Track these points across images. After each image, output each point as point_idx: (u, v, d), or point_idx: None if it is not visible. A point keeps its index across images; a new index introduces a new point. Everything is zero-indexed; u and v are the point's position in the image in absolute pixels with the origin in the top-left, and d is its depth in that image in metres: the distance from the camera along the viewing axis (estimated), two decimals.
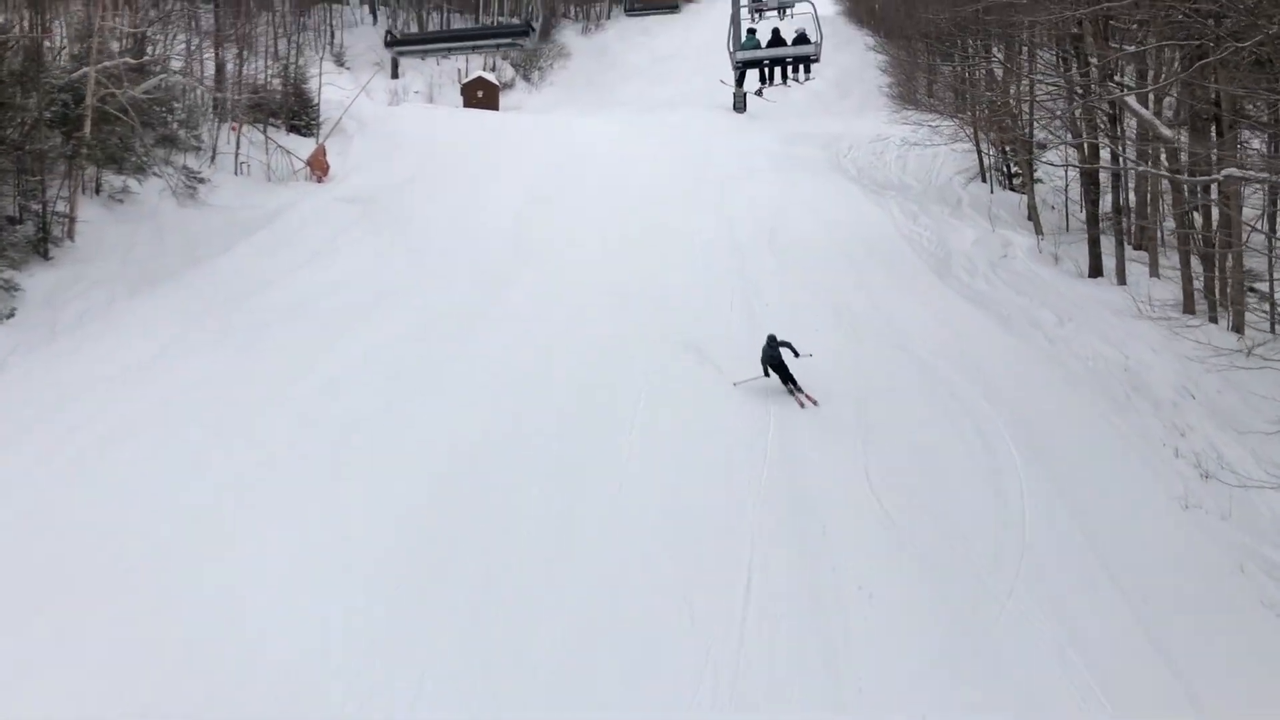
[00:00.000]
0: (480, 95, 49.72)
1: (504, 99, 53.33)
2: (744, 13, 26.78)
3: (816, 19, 24.39)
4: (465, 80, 51.04)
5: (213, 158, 28.66)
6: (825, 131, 42.96)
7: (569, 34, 73.75)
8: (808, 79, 26.68)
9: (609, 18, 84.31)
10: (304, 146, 33.51)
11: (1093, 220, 22.45)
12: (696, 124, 44.25)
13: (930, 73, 56.43)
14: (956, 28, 28.27)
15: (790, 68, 26.04)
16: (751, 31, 26.59)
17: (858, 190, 31.05)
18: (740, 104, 51.70)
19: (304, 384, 14.96)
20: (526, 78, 59.56)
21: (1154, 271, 21.59)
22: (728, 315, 17.52)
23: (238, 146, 29.06)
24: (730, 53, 26.98)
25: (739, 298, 18.56)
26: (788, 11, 25.75)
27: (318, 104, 36.50)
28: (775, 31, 25.97)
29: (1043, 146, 30.95)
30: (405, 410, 13.90)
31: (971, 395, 14.75)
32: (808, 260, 21.67)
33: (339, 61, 53.33)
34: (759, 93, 28.78)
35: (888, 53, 64.61)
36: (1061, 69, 26.44)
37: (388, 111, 41.91)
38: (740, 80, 31.50)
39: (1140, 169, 19.74)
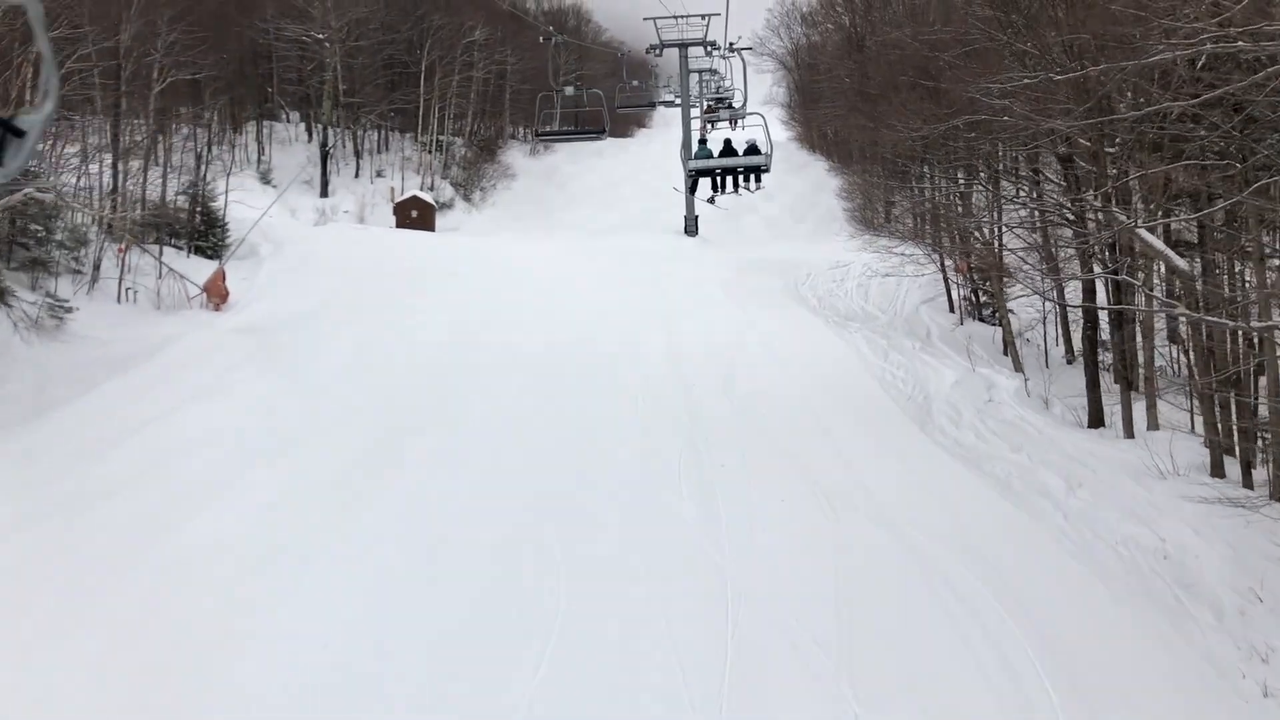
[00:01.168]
0: (414, 215, 47.54)
1: (442, 219, 51.25)
2: (697, 124, 28.01)
3: (767, 130, 24.80)
4: (398, 199, 48.87)
5: (92, 283, 25.66)
6: (782, 258, 41.18)
7: (516, 155, 72.82)
8: (758, 188, 27.32)
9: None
10: (207, 270, 30.71)
11: (1091, 363, 20.11)
12: (646, 249, 42.22)
13: (889, 195, 55.65)
14: (923, 148, 26.31)
15: (742, 177, 26.56)
16: (703, 141, 27.43)
17: (820, 323, 28.78)
18: (692, 228, 50.16)
19: (126, 588, 11.62)
20: (467, 198, 57.80)
21: (1153, 422, 19.22)
22: (676, 489, 14.55)
23: (122, 270, 26.08)
24: (683, 161, 27.70)
25: (689, 463, 15.64)
26: (740, 123, 27.33)
27: (226, 223, 33.82)
28: (727, 142, 26.47)
29: (1010, 275, 29.08)
30: (244, 629, 10.61)
31: (978, 594, 11.81)
32: (769, 410, 18.93)
33: (264, 179, 51.05)
34: (711, 200, 29.36)
35: (845, 175, 64.18)
36: (1040, 192, 24.69)
37: (309, 232, 39.43)
38: (693, 188, 31.49)
39: (1175, 312, 17.41)
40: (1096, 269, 20.05)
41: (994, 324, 34.20)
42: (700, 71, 49.69)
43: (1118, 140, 16.48)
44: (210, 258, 32.91)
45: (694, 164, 26.94)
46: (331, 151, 56.40)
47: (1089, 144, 16.86)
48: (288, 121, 62.85)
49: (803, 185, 65.51)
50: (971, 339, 30.75)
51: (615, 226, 53.15)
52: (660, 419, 17.92)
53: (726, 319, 27.62)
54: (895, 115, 26.66)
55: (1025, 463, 17.03)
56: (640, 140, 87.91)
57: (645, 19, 47.81)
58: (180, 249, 31.83)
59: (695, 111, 40.26)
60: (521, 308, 27.89)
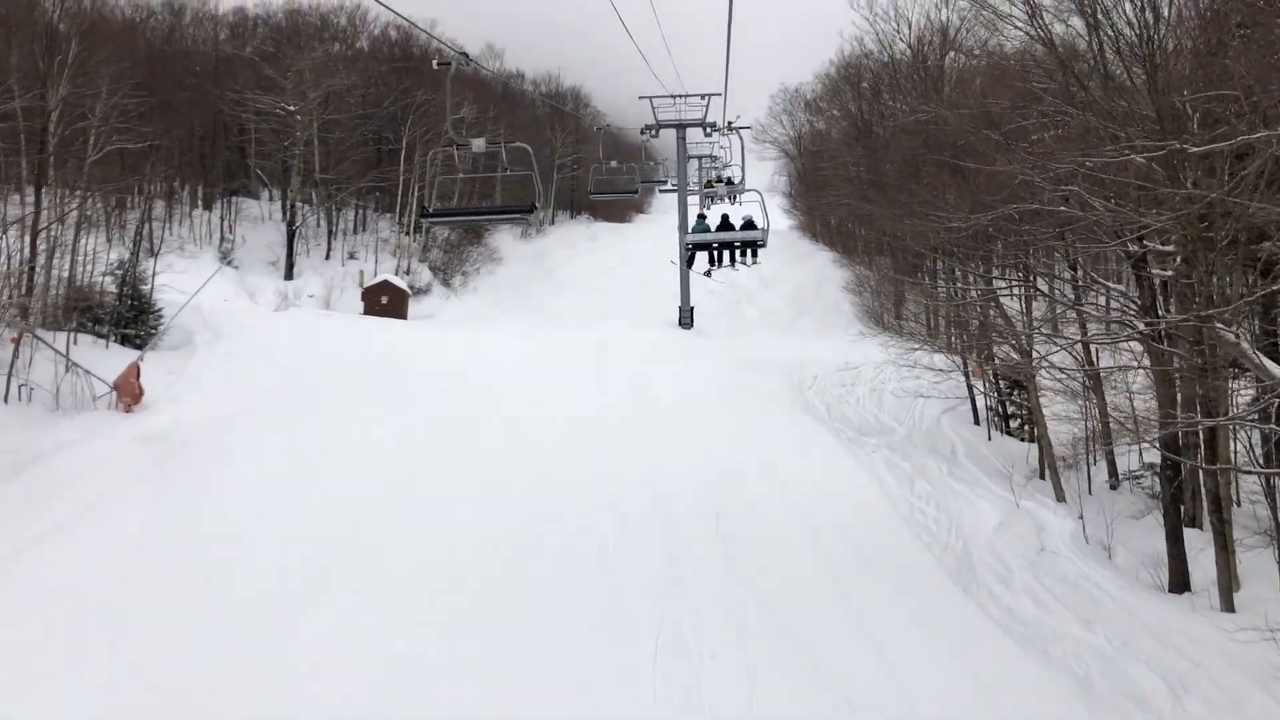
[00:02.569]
0: (384, 302, 44.34)
1: (416, 306, 48.08)
2: (694, 204, 28.52)
3: (764, 206, 25.20)
4: (368, 284, 45.71)
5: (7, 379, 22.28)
6: (784, 357, 37.83)
7: (505, 238, 70.23)
8: (755, 262, 28.44)
9: (553, 223, 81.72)
10: (160, 360, 27.41)
11: (1173, 510, 16.52)
12: (636, 343, 38.88)
13: (901, 290, 52.68)
14: (956, 242, 23.13)
15: (739, 251, 27.70)
16: (702, 216, 28.24)
17: (831, 439, 25.24)
18: (687, 319, 47.04)
19: None
20: (446, 283, 54.71)
21: (1237, 584, 15.69)
22: (648, 695, 10.82)
23: (12, 364, 22.61)
24: (680, 235, 29.69)
25: (668, 651, 11.91)
26: (737, 198, 27.26)
27: (158, 309, 30.50)
28: (724, 217, 27.26)
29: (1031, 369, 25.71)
30: None
31: None
32: (774, 567, 15.24)
33: (225, 258, 47.99)
34: (708, 273, 30.23)
35: (852, 268, 61.39)
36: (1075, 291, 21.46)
37: (263, 318, 36.12)
38: (690, 261, 31.94)
39: None
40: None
41: (1021, 436, 30.87)
42: (700, 157, 47.07)
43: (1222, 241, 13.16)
44: (139, 348, 29.54)
45: (691, 237, 27.83)
46: (300, 231, 53.50)
47: (1184, 241, 13.55)
48: (266, 198, 60.18)
49: (805, 276, 62.74)
50: (999, 454, 27.41)
51: (605, 316, 50.00)
52: (634, 581, 14.21)
53: (723, 433, 24.07)
54: (922, 202, 23.45)
55: (1104, 648, 13.36)
56: (637, 225, 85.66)
57: (640, 98, 45.40)
58: (105, 338, 28.52)
59: (692, 196, 38.15)
60: (482, 415, 24.36)
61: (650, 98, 44.80)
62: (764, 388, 30.94)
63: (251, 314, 37.08)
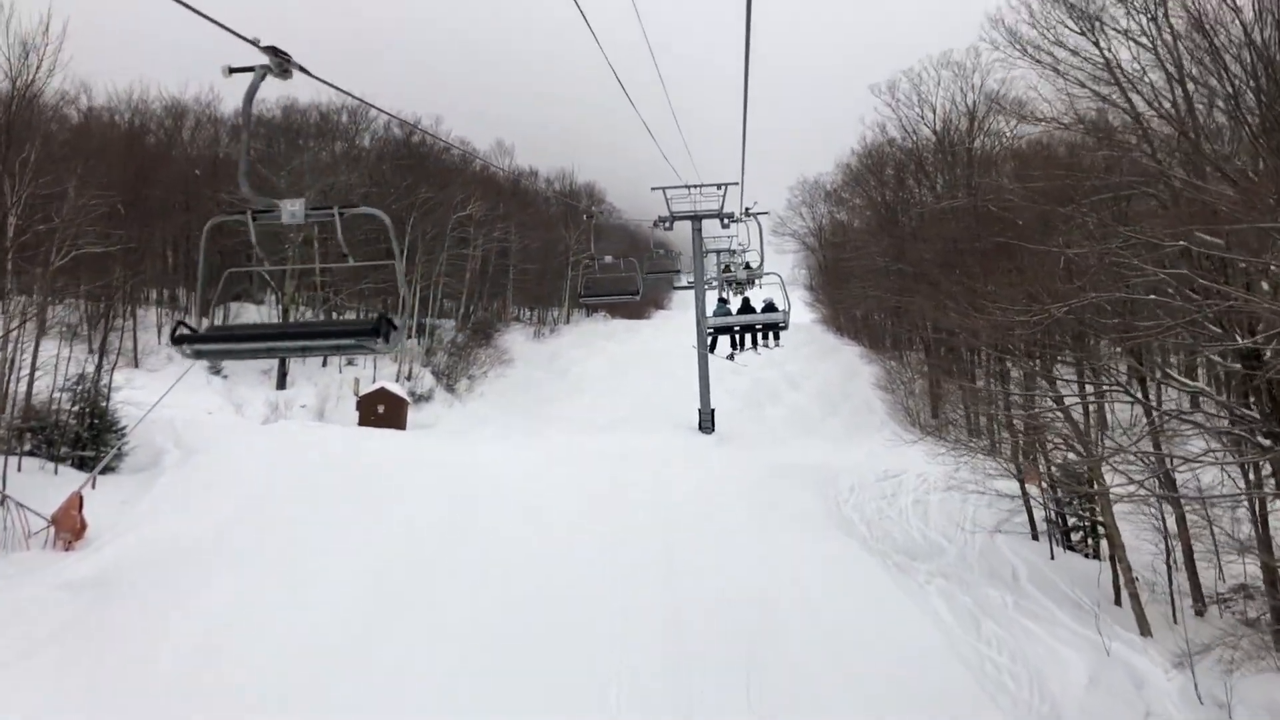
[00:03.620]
0: (381, 411, 41.84)
1: (417, 414, 45.56)
2: (714, 283, 30.07)
3: (784, 288, 25.84)
4: (364, 392, 43.32)
5: None
6: (815, 463, 35.00)
7: (517, 338, 68.17)
8: (777, 345, 29.24)
9: (568, 321, 79.84)
10: (118, 486, 24.95)
11: None
12: (652, 451, 36.10)
13: (935, 386, 49.90)
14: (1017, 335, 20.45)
15: (760, 334, 28.47)
16: (723, 300, 29.00)
17: (876, 566, 22.21)
18: (707, 423, 44.31)
19: None
20: (450, 388, 52.29)
21: None
22: None
23: None
24: (699, 325, 31.52)
25: None
26: (757, 282, 28.48)
27: (121, 427, 28.09)
28: (745, 300, 28.11)
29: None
30: None
31: None
32: None
33: (215, 370, 45.80)
34: (731, 357, 30.59)
35: (881, 363, 58.77)
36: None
37: (247, 433, 33.58)
38: (712, 346, 32.13)
39: None
40: None
41: (1084, 551, 27.77)
42: (718, 251, 45.01)
43: None
44: (103, 473, 27.04)
45: (713, 321, 28.43)
46: None
47: None
48: (267, 303, 58.32)
49: (833, 372, 60.13)
50: (1064, 576, 24.29)
51: (620, 420, 47.33)
52: None
53: (751, 561, 21.09)
54: (970, 292, 20.86)
55: None
56: (656, 321, 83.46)
57: (653, 189, 43.53)
58: (58, 461, 26.09)
59: (711, 291, 37.73)
60: (470, 546, 21.52)
61: (664, 188, 42.94)
62: (796, 503, 27.99)
63: (233, 429, 34.59)
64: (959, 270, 27.16)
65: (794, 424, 48.41)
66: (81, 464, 26.72)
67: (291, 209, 8.15)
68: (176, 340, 7.84)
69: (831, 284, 79.37)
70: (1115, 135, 17.05)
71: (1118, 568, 22.30)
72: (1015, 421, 25.69)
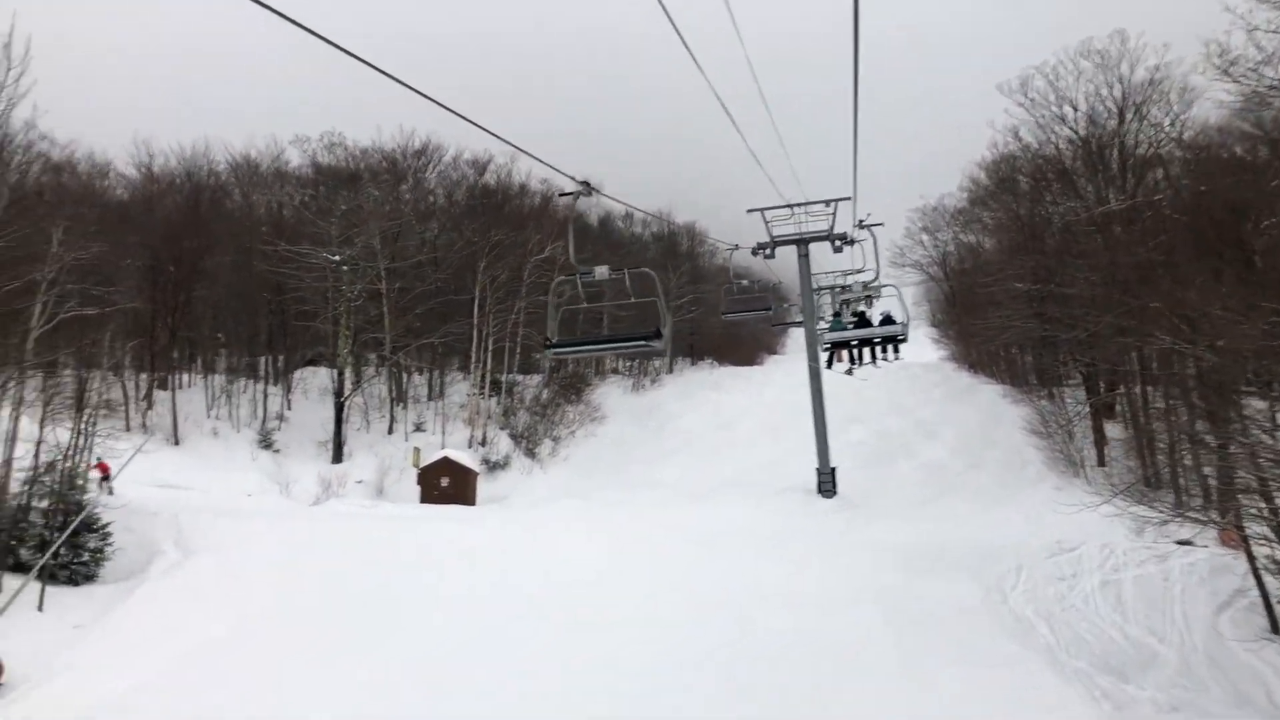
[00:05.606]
0: (445, 485, 36.98)
1: (489, 486, 40.57)
2: (829, 297, 31.48)
3: (902, 300, 25.91)
4: (425, 463, 38.50)
5: None
6: (965, 537, 28.63)
7: (613, 391, 62.96)
8: (896, 357, 28.66)
9: (670, 371, 74.47)
10: (83, 602, 20.50)
11: None
12: (758, 527, 30.21)
13: (1100, 429, 42.84)
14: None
15: (879, 348, 27.91)
16: (838, 314, 28.72)
17: (1073, 696, 15.88)
18: (828, 484, 38.13)
19: None
20: (531, 452, 47.19)
21: None
22: None
23: None
24: (818, 334, 31.76)
25: None
26: (873, 302, 27.57)
27: (103, 526, 23.64)
28: (861, 314, 27.64)
29: None
30: None
31: None
32: None
33: (264, 442, 41.70)
34: (849, 372, 31.54)
35: (1032, 403, 51.53)
36: None
37: (281, 519, 28.95)
38: (830, 362, 33.07)
39: None
40: None
41: None
42: (830, 289, 39.21)
43: None
44: (78, 583, 22.67)
45: (830, 336, 28.14)
46: (353, 403, 47.25)
47: None
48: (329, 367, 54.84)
49: (972, 416, 53.05)
50: None
51: (724, 484, 41.52)
52: None
53: (890, 702, 14.98)
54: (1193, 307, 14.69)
55: None
56: (767, 368, 76.80)
57: (750, 211, 38.12)
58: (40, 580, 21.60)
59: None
60: (510, 685, 15.94)
61: (762, 210, 37.49)
62: (947, 597, 21.71)
63: (256, 518, 30.01)
64: (1167, 283, 20.76)
65: (931, 481, 41.78)
66: (52, 576, 22.27)
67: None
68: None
69: (962, 316, 72.12)
70: None
71: None
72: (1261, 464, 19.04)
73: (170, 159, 60.75)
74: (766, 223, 37.66)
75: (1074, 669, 17.90)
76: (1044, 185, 55.85)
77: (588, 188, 14.26)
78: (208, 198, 58.07)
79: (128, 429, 41.41)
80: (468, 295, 51.17)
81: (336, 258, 46.40)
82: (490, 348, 52.31)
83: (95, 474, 28.60)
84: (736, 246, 41.63)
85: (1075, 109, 51.21)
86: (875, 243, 30.32)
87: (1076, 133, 51.79)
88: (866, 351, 28.59)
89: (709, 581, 21.76)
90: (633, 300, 14.83)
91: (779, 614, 19.39)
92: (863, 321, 27.30)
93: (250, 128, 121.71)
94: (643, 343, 14.09)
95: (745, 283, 35.97)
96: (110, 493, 29.45)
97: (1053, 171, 54.10)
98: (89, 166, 53.40)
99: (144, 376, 47.19)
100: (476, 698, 15.27)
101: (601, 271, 14.25)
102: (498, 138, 10.50)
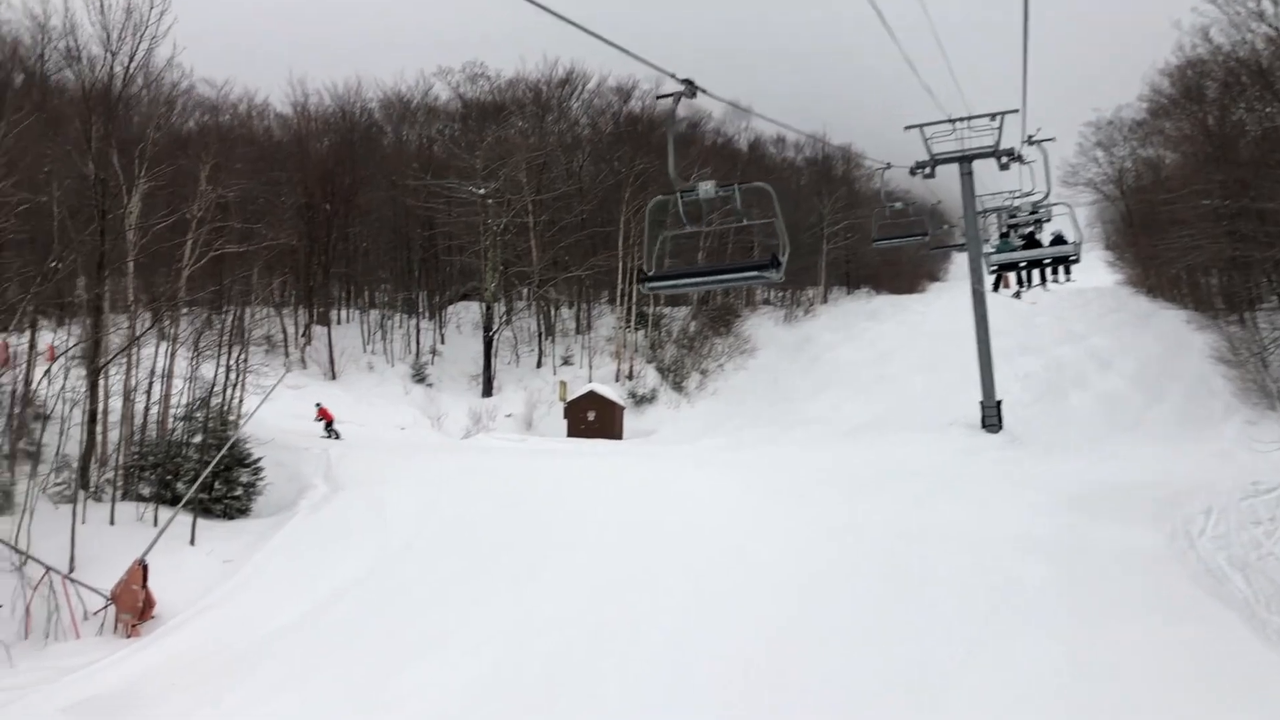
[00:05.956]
0: (591, 419, 36.67)
1: (636, 420, 40.13)
2: (994, 219, 30.24)
3: (1074, 220, 24.84)
4: (571, 397, 38.24)
5: None
6: (1145, 478, 26.47)
7: (765, 323, 61.46)
8: (1068, 279, 27.64)
9: (824, 301, 72.49)
10: (234, 536, 21.00)
11: None
12: (916, 464, 28.71)
13: None
14: None
15: (1049, 269, 27.02)
16: (1005, 235, 27.89)
17: (1277, 661, 14.11)
18: (993, 418, 36.04)
19: None
20: (678, 386, 46.47)
21: None
22: None
23: None
24: (984, 256, 29.46)
25: None
26: (1043, 226, 26.83)
27: (255, 461, 24.09)
28: (1030, 235, 26.86)
29: None
30: None
31: None
32: None
33: (418, 376, 42.24)
34: (1017, 295, 32.13)
35: (1223, 329, 47.68)
36: None
37: (409, 461, 29.03)
38: (996, 285, 32.43)
39: None
40: None
41: None
42: (996, 211, 36.77)
43: None
44: (232, 517, 23.20)
45: (997, 258, 27.21)
46: (500, 337, 47.39)
47: None
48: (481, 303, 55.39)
49: (1152, 345, 49.49)
50: None
51: (879, 420, 39.95)
52: None
53: (1053, 668, 13.53)
54: None
55: None
56: (929, 296, 73.58)
57: (907, 128, 35.93)
58: (189, 511, 22.10)
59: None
60: (653, 635, 15.24)
61: (921, 126, 35.28)
62: (1124, 546, 19.87)
63: (408, 450, 30.29)
64: None
65: (1107, 416, 39.13)
66: (205, 510, 22.84)
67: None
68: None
69: (1139, 237, 67.31)
70: None
71: None
72: None
73: (324, 97, 61.90)
74: (926, 140, 35.45)
75: (1276, 627, 16.04)
76: (1237, 91, 51.01)
77: (691, 87, 12.35)
78: (360, 135, 58.92)
79: (286, 365, 42.64)
80: (614, 227, 50.48)
81: (481, 191, 46.41)
82: (631, 278, 51.72)
83: (319, 421, 29.71)
84: (889, 165, 39.52)
85: (1275, 2, 46.31)
86: (1046, 159, 28.32)
87: (1276, 29, 46.89)
88: (1036, 274, 27.28)
89: (860, 523, 20.56)
90: (745, 223, 13.18)
91: (938, 559, 18.06)
92: (1031, 242, 26.34)
93: (400, 61, 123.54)
94: (756, 273, 12.13)
95: (899, 205, 34.44)
96: (337, 437, 30.41)
97: (1248, 74, 49.25)
98: (247, 106, 54.82)
99: (303, 312, 48.56)
100: (629, 643, 14.67)
101: (706, 188, 12.43)
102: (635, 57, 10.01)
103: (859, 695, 12.53)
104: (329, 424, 30.80)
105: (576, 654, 14.13)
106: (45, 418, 23.91)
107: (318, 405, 31.82)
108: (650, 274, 12.31)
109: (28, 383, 23.46)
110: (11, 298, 21.22)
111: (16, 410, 23.91)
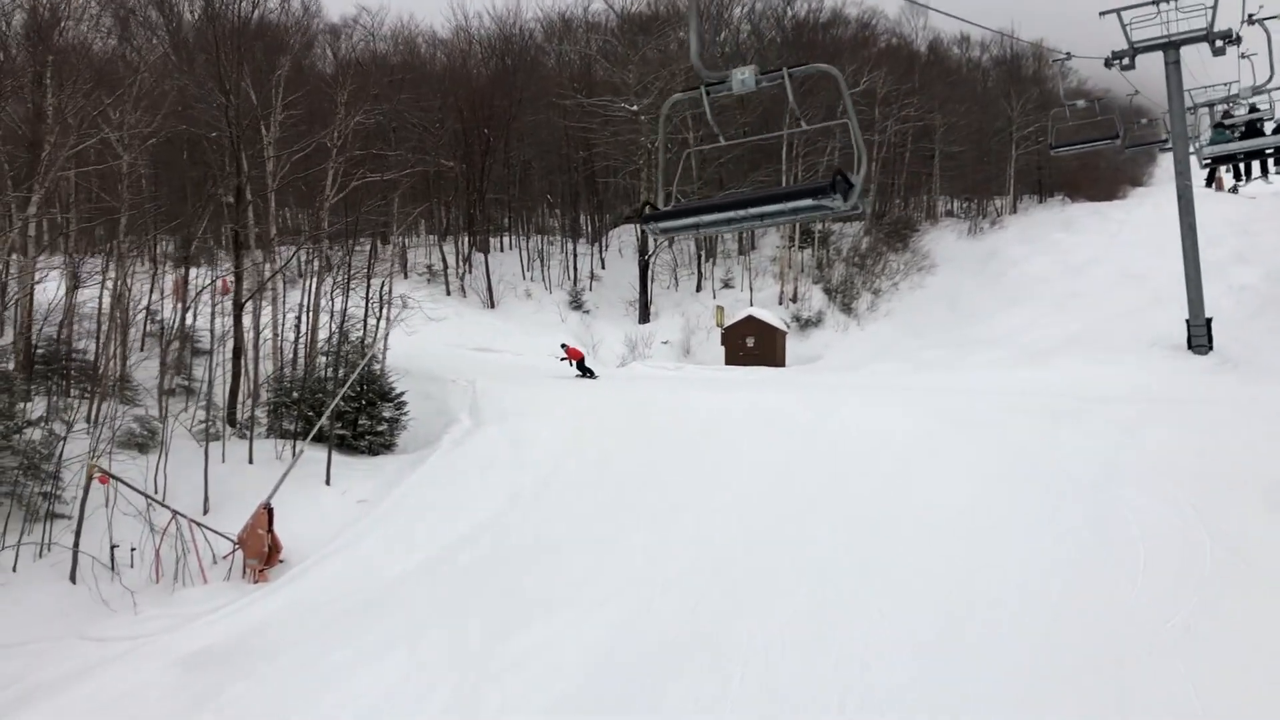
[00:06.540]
0: (750, 345, 34.98)
1: (800, 345, 38.14)
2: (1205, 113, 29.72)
3: None
4: (729, 323, 36.59)
5: (76, 538, 15.87)
6: None
7: (946, 236, 57.91)
8: None
9: (1014, 211, 67.85)
10: (372, 474, 20.68)
11: None
12: (1115, 390, 25.77)
13: None
14: None
15: (1273, 160, 25.55)
16: (1219, 126, 26.39)
17: None
18: (1201, 338, 32.31)
19: None
20: (847, 307, 44.05)
21: None
22: None
23: (81, 516, 15.98)
24: (1197, 149, 28.11)
25: None
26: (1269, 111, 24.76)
27: (399, 395, 23.63)
28: (1250, 124, 25.21)
29: None
30: None
31: None
32: None
33: (575, 303, 41.32)
34: (1234, 189, 32.35)
35: None
36: None
37: (558, 392, 28.08)
38: (1210, 179, 30.82)
39: None
40: None
41: None
42: (1209, 105, 32.53)
43: None
44: (376, 453, 22.84)
45: (1210, 150, 25.77)
46: (657, 260, 45.93)
47: None
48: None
49: None
50: None
51: (1073, 340, 36.65)
52: None
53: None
54: None
55: None
56: (1130, 203, 67.51)
57: (1103, 14, 32.01)
58: (334, 444, 21.75)
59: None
60: (796, 594, 13.68)
61: (1119, 10, 31.41)
62: None
63: (553, 384, 29.38)
64: None
65: None
66: (350, 446, 22.52)
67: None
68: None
69: None
70: None
71: None
72: None
73: (485, 18, 61.33)
74: (1124, 25, 31.53)
75: None
76: None
77: None
78: (518, 58, 58.06)
79: (448, 293, 42.57)
80: (777, 139, 48.07)
81: (634, 108, 44.78)
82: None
83: (567, 361, 29.08)
84: (1069, 55, 35.69)
85: None
86: (1270, 40, 26.20)
87: None
88: (1256, 166, 26.05)
89: (1051, 461, 18.22)
90: (804, 127, 10.60)
91: (1143, 503, 15.61)
92: (1251, 131, 25.01)
93: None
94: (810, 202, 8.23)
95: (1082, 103, 32.36)
96: (592, 375, 29.72)
97: None
98: (404, 31, 54.60)
99: (464, 240, 48.45)
100: (772, 595, 13.21)
101: (744, 78, 8.37)
102: None
103: (1045, 681, 10.61)
104: (580, 362, 29.84)
105: (703, 621, 12.68)
106: (206, 353, 24.08)
107: (563, 345, 30.92)
108: (656, 209, 8.76)
109: (193, 317, 23.67)
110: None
111: (174, 345, 24.16)
